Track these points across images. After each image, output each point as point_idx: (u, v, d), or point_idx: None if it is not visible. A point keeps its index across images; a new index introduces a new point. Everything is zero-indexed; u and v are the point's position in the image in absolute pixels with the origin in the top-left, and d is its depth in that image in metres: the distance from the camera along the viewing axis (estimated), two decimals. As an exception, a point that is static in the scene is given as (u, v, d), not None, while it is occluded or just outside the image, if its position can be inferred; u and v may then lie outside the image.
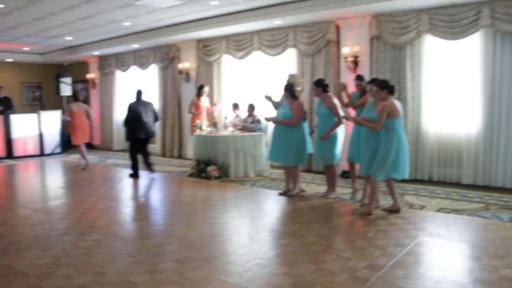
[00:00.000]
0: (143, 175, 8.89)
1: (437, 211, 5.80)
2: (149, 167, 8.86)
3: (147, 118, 8.57)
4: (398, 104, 5.53)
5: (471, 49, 7.27)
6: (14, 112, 12.47)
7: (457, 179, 7.55)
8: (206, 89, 10.29)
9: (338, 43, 8.50)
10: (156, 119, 8.88)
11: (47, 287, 3.54)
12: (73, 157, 12.17)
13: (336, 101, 6.42)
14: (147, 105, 8.71)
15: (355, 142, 6.29)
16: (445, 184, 7.50)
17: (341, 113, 6.36)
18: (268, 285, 3.52)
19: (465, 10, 6.95)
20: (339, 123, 6.31)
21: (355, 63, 8.13)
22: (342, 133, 6.55)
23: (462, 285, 3.45)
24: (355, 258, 4.05)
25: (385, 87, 5.49)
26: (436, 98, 7.70)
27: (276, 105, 7.20)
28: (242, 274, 3.74)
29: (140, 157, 8.79)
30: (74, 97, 10.75)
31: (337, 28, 8.45)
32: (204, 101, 10.31)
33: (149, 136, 8.70)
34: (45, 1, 7.43)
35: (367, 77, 7.40)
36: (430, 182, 7.69)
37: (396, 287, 3.42)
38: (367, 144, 5.68)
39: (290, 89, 6.71)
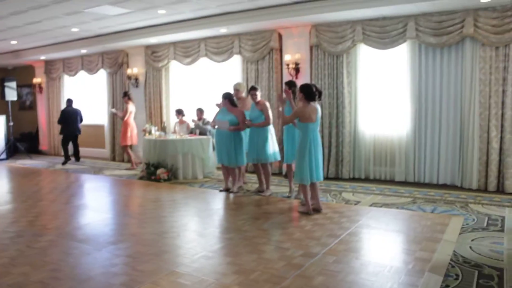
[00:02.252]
0: (92, 178, 9.04)
1: (370, 205, 6.38)
2: (77, 156, 11.99)
3: (75, 120, 11.62)
4: (316, 108, 5.84)
5: (400, 58, 7.98)
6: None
7: (391, 177, 8.22)
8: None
9: (280, 51, 9.03)
10: (81, 120, 11.85)
11: (7, 284, 3.75)
12: (20, 163, 12.03)
13: (268, 105, 7.05)
14: (76, 111, 11.73)
15: (288, 144, 6.79)
16: (380, 181, 8.16)
17: (270, 117, 6.98)
18: (213, 273, 3.91)
19: (394, 23, 7.65)
20: (266, 124, 6.99)
21: (297, 69, 8.66)
22: (273, 134, 7.14)
23: (383, 266, 3.97)
24: (292, 248, 4.51)
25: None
26: (371, 102, 8.36)
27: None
28: (190, 265, 4.10)
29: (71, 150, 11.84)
30: (129, 96, 10.55)
31: (280, 36, 8.98)
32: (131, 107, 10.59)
33: (76, 134, 11.73)
34: (-10, 6, 7.48)
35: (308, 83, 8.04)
36: (366, 180, 8.33)
37: (326, 271, 3.89)
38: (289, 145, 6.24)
39: (229, 97, 7.22)
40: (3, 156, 12.77)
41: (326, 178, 8.35)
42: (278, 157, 7.24)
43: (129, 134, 10.43)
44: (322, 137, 8.46)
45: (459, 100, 7.46)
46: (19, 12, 7.96)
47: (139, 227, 5.52)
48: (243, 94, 7.93)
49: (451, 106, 7.57)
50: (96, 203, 7.34)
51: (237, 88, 7.70)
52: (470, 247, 4.43)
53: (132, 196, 7.61)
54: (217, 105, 7.72)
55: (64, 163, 11.65)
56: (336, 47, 8.25)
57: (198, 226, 5.65)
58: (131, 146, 10.68)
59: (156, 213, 6.23)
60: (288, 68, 8.78)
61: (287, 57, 8.80)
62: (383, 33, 7.78)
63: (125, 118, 10.37)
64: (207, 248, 4.60)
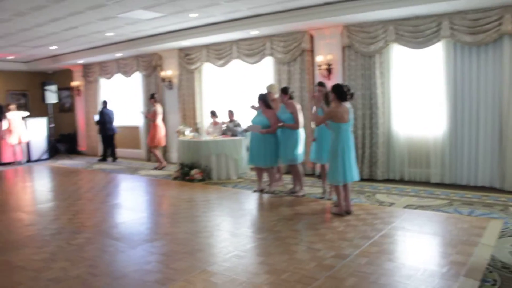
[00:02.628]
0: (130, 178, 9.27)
1: (405, 207, 6.28)
2: (113, 156, 12.59)
3: (110, 120, 12.30)
4: (348, 108, 5.84)
5: (435, 57, 7.81)
6: (2, 119, 12.69)
7: (426, 178, 8.04)
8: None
9: (312, 52, 9.00)
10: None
11: (46, 278, 3.92)
12: (60, 163, 12.44)
13: (298, 107, 7.05)
14: (111, 111, 12.40)
15: (321, 145, 6.76)
16: (415, 183, 7.99)
17: (301, 119, 7.00)
18: (244, 272, 3.96)
19: (428, 22, 7.50)
20: (295, 127, 7.02)
21: (329, 70, 8.62)
22: (303, 135, 7.15)
23: (417, 269, 3.92)
24: (324, 249, 4.51)
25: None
26: (405, 103, 8.22)
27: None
28: (222, 264, 4.17)
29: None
30: (156, 98, 10.82)
31: (311, 37, 8.95)
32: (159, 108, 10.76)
33: (112, 133, 12.44)
34: (31, 14, 7.75)
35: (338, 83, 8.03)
36: (401, 181, 8.18)
37: (358, 273, 3.88)
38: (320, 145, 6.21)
39: (264, 99, 7.25)
40: (45, 156, 13.24)
41: (361, 179, 8.23)
42: (302, 158, 7.24)
43: (157, 135, 10.61)
44: (356, 138, 8.37)
45: (497, 99, 7.23)
46: (57, 19, 8.23)
47: (173, 226, 5.63)
48: (276, 95, 7.96)
49: (489, 106, 7.35)
50: (131, 202, 7.52)
51: (269, 90, 7.73)
52: (510, 252, 4.30)
53: (167, 196, 7.75)
54: (252, 107, 7.77)
55: (100, 160, 12.64)
56: (368, 47, 8.17)
57: (231, 226, 5.71)
58: (158, 147, 10.85)
59: (189, 212, 6.33)
60: (320, 69, 8.75)
61: (319, 58, 8.77)
62: (416, 32, 7.64)
63: (155, 120, 10.56)
64: (239, 248, 4.65)
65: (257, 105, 7.59)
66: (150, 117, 10.76)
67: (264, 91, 7.65)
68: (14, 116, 12.19)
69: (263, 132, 7.18)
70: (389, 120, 8.34)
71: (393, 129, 8.33)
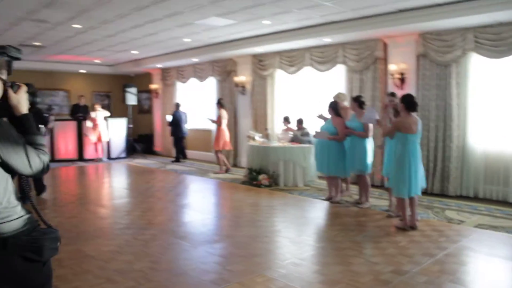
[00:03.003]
0: (199, 180, 9.59)
1: (475, 226, 5.94)
2: (180, 156, 13.32)
3: (182, 122, 12.95)
4: (417, 119, 5.69)
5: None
6: (87, 118, 13.64)
7: (503, 197, 7.53)
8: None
9: (385, 60, 8.80)
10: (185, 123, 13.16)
11: (112, 269, 4.20)
12: (136, 162, 13.13)
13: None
14: (183, 114, 13.06)
15: (389, 157, 6.59)
16: (491, 201, 7.51)
17: (371, 129, 6.88)
18: (299, 280, 3.97)
19: (511, 29, 7.06)
20: (364, 135, 6.91)
21: (402, 80, 8.39)
22: (371, 146, 7.02)
23: (480, 292, 3.73)
24: (383, 263, 4.41)
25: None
26: (482, 115, 7.78)
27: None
28: (277, 270, 4.21)
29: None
30: (222, 104, 11.05)
31: (385, 45, 8.75)
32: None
33: (182, 135, 13.09)
34: (115, 21, 8.31)
35: (414, 94, 7.76)
36: (475, 199, 7.73)
37: (416, 290, 3.76)
38: (390, 158, 5.99)
39: (334, 107, 7.21)
40: (123, 154, 14.04)
41: (430, 193, 7.96)
42: (370, 170, 7.11)
43: (221, 139, 10.81)
44: (427, 150, 8.09)
45: None
46: (138, 26, 8.75)
47: (234, 229, 5.76)
48: (345, 103, 7.90)
49: None
50: (198, 203, 7.78)
51: (336, 99, 7.70)
52: None
53: (232, 199, 7.93)
54: (320, 116, 7.76)
55: (174, 161, 13.18)
56: (444, 56, 7.84)
57: (292, 233, 5.73)
58: (222, 151, 11.05)
59: (252, 217, 6.45)
60: (393, 78, 8.53)
61: (392, 67, 8.56)
62: (498, 40, 7.22)
63: (220, 124, 10.78)
64: (297, 255, 4.67)
65: (325, 114, 7.58)
66: (216, 122, 11.01)
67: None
68: (98, 115, 13.04)
69: (330, 138, 7.15)
70: (465, 133, 7.93)
71: (469, 142, 7.91)
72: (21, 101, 1.92)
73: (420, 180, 5.72)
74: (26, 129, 1.88)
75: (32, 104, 2.03)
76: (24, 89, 1.94)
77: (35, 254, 1.80)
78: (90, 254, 4.65)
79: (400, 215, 5.97)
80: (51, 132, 11.57)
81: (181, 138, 13.20)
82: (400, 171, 5.62)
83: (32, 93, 2.04)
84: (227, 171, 10.94)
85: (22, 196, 1.99)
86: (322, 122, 7.70)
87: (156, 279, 3.98)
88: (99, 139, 13.12)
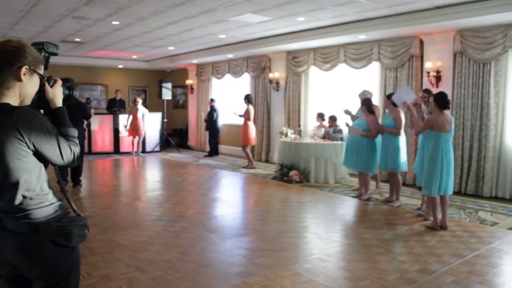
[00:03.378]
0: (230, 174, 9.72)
1: (509, 229, 5.80)
2: (214, 152, 13.57)
3: (217, 118, 13.16)
4: (450, 117, 5.63)
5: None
6: (123, 113, 13.99)
7: (542, 200, 7.35)
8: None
9: (421, 58, 8.64)
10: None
11: (142, 258, 4.35)
12: (170, 156, 13.39)
13: (402, 115, 6.81)
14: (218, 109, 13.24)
15: (421, 155, 6.50)
16: (527, 203, 7.34)
17: (402, 126, 6.78)
18: (323, 275, 4.00)
19: (554, 26, 6.82)
20: (395, 132, 6.80)
21: (438, 78, 8.23)
22: (404, 143, 6.92)
23: (508, 294, 3.65)
24: (410, 262, 4.38)
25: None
26: (522, 115, 7.57)
27: (354, 118, 7.67)
28: (303, 264, 4.25)
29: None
30: (250, 99, 11.08)
31: (421, 42, 8.60)
32: None
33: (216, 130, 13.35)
34: (151, 18, 8.51)
35: (450, 92, 7.75)
36: (511, 200, 7.54)
37: (442, 290, 3.72)
38: (422, 156, 5.91)
39: (368, 104, 7.19)
40: (158, 148, 14.34)
41: (464, 194, 7.81)
42: (405, 168, 7.02)
43: (247, 134, 10.87)
44: (462, 150, 7.92)
45: None
46: (174, 22, 8.93)
47: (263, 224, 5.83)
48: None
49: None
50: (228, 197, 7.90)
51: (361, 96, 7.76)
52: None
53: (263, 194, 8.00)
54: (345, 111, 7.73)
55: (207, 156, 13.51)
56: (483, 54, 7.63)
57: (319, 229, 5.75)
58: (248, 146, 11.10)
59: (281, 212, 6.50)
60: (428, 76, 8.38)
61: (428, 65, 8.40)
62: (540, 38, 6.99)
63: (249, 119, 10.82)
64: (323, 251, 4.70)
65: (352, 110, 7.59)
66: (244, 116, 11.03)
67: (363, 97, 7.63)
68: (137, 111, 13.27)
69: (363, 135, 7.12)
70: (502, 133, 7.71)
71: (507, 143, 7.69)
72: (57, 95, 2.03)
73: (451, 179, 5.63)
74: (60, 121, 1.99)
75: (68, 98, 2.14)
76: (59, 83, 2.05)
77: (64, 239, 1.88)
78: (122, 244, 4.82)
79: (430, 214, 5.89)
80: (89, 125, 11.92)
81: (215, 133, 13.40)
82: (432, 169, 5.55)
83: (69, 88, 2.16)
84: (250, 167, 10.97)
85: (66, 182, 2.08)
86: (349, 118, 7.76)
87: (183, 269, 4.09)
88: (137, 133, 13.31)
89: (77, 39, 11.10)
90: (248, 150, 11.19)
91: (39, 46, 2.02)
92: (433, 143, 5.59)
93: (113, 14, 8.26)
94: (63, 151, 1.90)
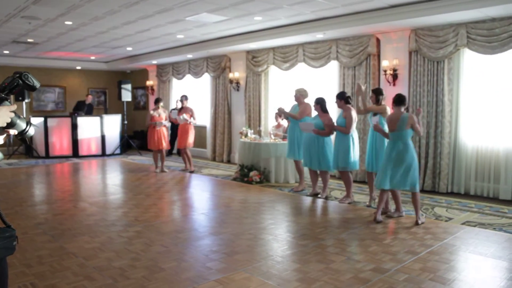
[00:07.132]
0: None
1: (463, 223, 5.89)
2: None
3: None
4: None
5: (510, 63, 7.26)
6: (80, 115, 13.60)
7: (495, 194, 7.49)
8: (161, 103, 10.62)
9: (378, 56, 8.74)
10: None
11: (92, 266, 4.18)
12: (130, 158, 13.10)
13: (353, 114, 6.89)
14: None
15: (371, 152, 6.57)
16: (482, 198, 7.47)
17: (352, 125, 6.85)
18: (277, 278, 3.93)
19: (505, 24, 6.97)
20: (344, 131, 6.88)
21: (394, 76, 8.33)
22: (356, 142, 7.01)
23: (459, 290, 3.68)
24: (364, 261, 4.36)
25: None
26: (474, 111, 7.73)
27: (288, 115, 8.05)
28: (257, 267, 4.17)
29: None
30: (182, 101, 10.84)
31: (378, 41, 8.68)
32: (162, 113, 10.50)
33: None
34: (106, 18, 8.27)
35: (406, 90, 8.01)
36: (466, 195, 7.69)
37: (394, 288, 3.72)
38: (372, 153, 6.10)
39: (321, 103, 7.19)
40: (117, 151, 14.01)
41: (421, 190, 7.86)
42: (357, 166, 7.13)
43: (191, 137, 10.43)
44: (419, 147, 8.04)
45: None
46: (130, 22, 8.72)
47: (219, 227, 5.72)
48: (305, 100, 8.02)
49: None
50: (186, 200, 7.76)
51: (296, 94, 8.03)
52: None
53: (222, 196, 7.89)
54: (279, 110, 8.14)
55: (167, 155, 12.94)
56: (437, 52, 7.77)
57: (276, 230, 5.68)
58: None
59: (239, 214, 6.41)
60: (385, 75, 8.47)
61: (384, 63, 8.50)
62: (491, 36, 7.14)
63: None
64: (278, 253, 4.64)
65: (283, 107, 8.13)
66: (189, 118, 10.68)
67: (324, 96, 7.62)
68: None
69: (315, 132, 7.12)
70: (456, 129, 7.88)
71: (461, 139, 7.86)
72: None
73: (405, 176, 5.70)
74: None
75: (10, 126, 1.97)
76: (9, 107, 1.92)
77: None
78: (72, 251, 4.62)
79: (388, 211, 5.96)
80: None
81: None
82: (385, 164, 5.66)
83: (28, 123, 2.04)
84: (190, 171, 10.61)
85: None
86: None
87: (133, 276, 3.95)
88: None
89: (29, 40, 10.71)
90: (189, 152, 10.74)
91: (18, 73, 1.93)
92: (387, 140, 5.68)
93: (65, 14, 7.98)
94: None
